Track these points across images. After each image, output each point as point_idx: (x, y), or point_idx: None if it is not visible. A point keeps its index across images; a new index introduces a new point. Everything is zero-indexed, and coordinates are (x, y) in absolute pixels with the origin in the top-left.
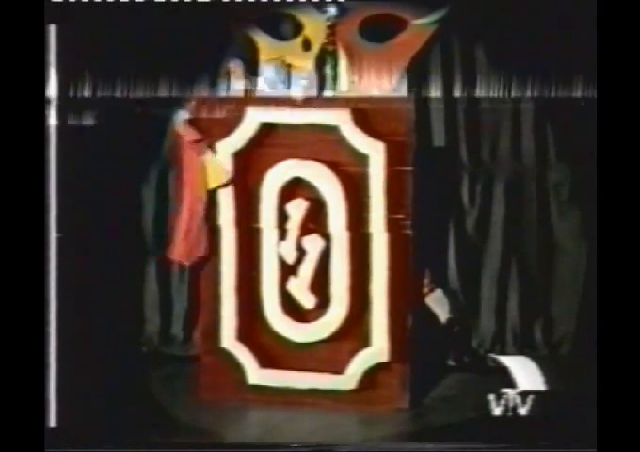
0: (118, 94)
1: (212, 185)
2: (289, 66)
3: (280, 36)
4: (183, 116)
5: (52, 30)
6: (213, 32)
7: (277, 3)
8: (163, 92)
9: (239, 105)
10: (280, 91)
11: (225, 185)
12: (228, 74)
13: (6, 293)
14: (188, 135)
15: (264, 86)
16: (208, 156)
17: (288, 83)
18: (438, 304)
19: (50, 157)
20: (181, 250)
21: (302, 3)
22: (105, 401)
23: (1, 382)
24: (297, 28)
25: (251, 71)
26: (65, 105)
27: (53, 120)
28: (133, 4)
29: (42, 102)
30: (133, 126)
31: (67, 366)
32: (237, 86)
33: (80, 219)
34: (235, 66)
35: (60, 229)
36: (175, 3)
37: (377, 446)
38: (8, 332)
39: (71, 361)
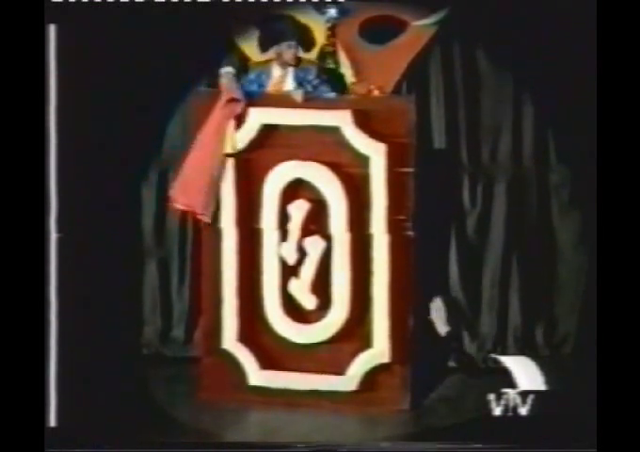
0: (118, 94)
1: (227, 150)
2: (320, 68)
3: None
4: (228, 70)
5: (52, 30)
6: (213, 32)
7: (277, 4)
8: (162, 91)
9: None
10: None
11: (231, 156)
12: (276, 56)
13: (6, 293)
14: (228, 91)
15: (292, 84)
16: (232, 123)
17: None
18: (436, 314)
19: (50, 157)
20: (186, 195)
21: (302, 4)
22: (106, 402)
23: (1, 383)
24: None
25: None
26: (65, 105)
27: (52, 119)
28: (133, 4)
29: (42, 102)
30: (133, 126)
31: (67, 367)
32: (277, 71)
33: (80, 219)
34: (289, 48)
35: (60, 229)
36: (175, 3)
37: (378, 447)
38: (8, 332)
39: (71, 361)
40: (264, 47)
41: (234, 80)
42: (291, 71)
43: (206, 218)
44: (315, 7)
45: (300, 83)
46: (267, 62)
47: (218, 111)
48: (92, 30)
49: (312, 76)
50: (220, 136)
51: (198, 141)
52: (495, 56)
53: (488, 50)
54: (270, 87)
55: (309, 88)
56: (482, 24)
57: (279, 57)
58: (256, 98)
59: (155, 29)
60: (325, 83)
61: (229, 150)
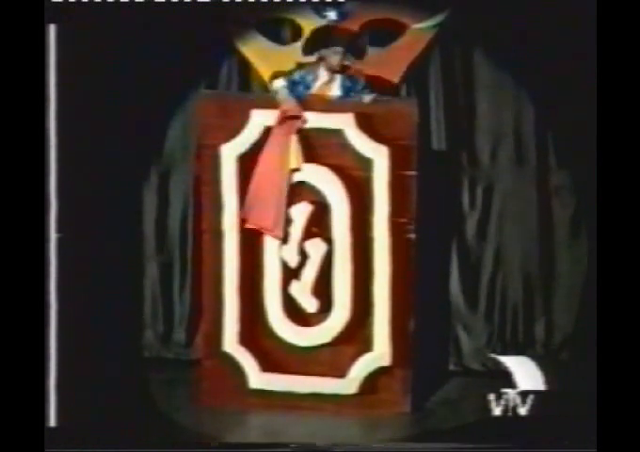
0: (118, 94)
1: (291, 165)
2: (363, 76)
3: (279, 40)
4: (282, 83)
5: (52, 30)
6: (213, 33)
7: (276, 4)
8: (163, 92)
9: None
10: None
11: (296, 171)
12: (321, 60)
13: (6, 293)
14: (288, 109)
15: (338, 92)
16: (294, 138)
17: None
18: None
19: (50, 157)
20: (255, 214)
21: (302, 7)
22: (106, 404)
23: (1, 383)
24: (297, 33)
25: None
26: (65, 105)
27: (52, 119)
28: (133, 4)
29: (42, 101)
30: (134, 127)
31: (67, 367)
32: (324, 76)
33: (80, 220)
34: (334, 54)
35: (60, 229)
36: (175, 3)
37: (378, 448)
38: (8, 332)
39: (71, 362)
40: (307, 49)
41: (290, 94)
42: (338, 78)
43: (277, 236)
44: (315, 9)
45: (347, 92)
46: (311, 64)
47: (278, 128)
48: (92, 30)
49: (359, 87)
50: (284, 153)
51: (262, 160)
52: (495, 59)
53: (487, 52)
54: (315, 90)
55: (353, 93)
56: (481, 27)
57: (324, 62)
58: (302, 100)
59: (156, 30)
60: (371, 95)
61: (293, 165)
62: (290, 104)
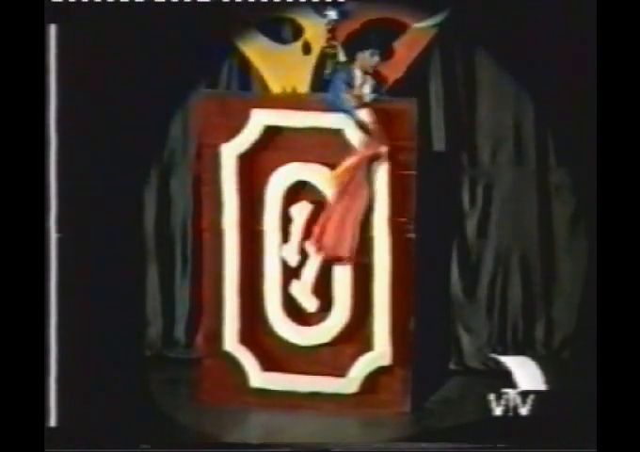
0: (118, 94)
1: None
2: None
3: (279, 39)
4: (359, 115)
5: (52, 30)
6: (213, 33)
7: (277, 5)
8: (163, 92)
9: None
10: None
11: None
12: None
13: (6, 293)
14: (369, 147)
15: (369, 92)
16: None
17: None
18: None
19: (50, 157)
20: (330, 241)
21: (302, 6)
22: (106, 403)
23: (1, 383)
24: (297, 32)
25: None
26: (65, 105)
27: (52, 119)
28: (133, 4)
29: (42, 101)
30: (134, 127)
31: (67, 367)
32: (358, 77)
33: (80, 219)
34: (372, 56)
35: (60, 229)
36: (175, 3)
37: (378, 447)
38: (8, 332)
39: (71, 362)
40: (349, 51)
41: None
42: (369, 79)
43: (352, 261)
44: (315, 9)
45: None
46: (345, 64)
47: (356, 162)
48: (92, 30)
49: (383, 91)
50: (362, 183)
51: (339, 191)
52: (495, 59)
53: (488, 52)
54: (354, 91)
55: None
56: (482, 27)
57: (361, 63)
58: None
59: (156, 29)
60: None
61: (372, 195)
62: (372, 146)
